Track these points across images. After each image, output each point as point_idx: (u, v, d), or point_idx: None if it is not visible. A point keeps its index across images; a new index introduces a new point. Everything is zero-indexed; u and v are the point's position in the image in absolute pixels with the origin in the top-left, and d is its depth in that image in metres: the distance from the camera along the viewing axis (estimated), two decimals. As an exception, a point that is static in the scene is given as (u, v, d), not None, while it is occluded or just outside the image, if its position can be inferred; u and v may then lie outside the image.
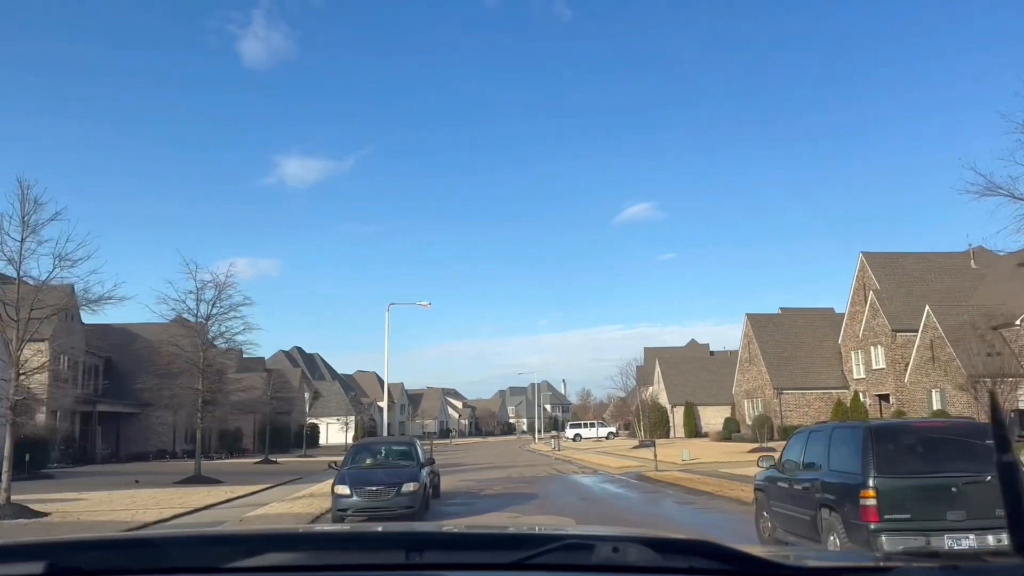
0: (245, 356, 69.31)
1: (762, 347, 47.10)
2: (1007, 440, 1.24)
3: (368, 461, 16.69)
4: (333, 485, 15.32)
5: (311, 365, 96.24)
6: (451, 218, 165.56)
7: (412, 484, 14.72)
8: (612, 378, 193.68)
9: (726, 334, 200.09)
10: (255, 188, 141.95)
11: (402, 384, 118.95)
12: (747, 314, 49.17)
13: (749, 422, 49.54)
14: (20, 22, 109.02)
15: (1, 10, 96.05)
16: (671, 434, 67.48)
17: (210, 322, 29.10)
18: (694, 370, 70.67)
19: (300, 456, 51.76)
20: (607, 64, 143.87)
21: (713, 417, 68.96)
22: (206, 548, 1.70)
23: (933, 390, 35.16)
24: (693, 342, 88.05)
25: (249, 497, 21.79)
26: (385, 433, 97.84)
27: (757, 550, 1.58)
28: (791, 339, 47.14)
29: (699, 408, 67.94)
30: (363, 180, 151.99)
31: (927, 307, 34.86)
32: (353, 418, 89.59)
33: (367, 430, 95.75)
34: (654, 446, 29.20)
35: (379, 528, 2.73)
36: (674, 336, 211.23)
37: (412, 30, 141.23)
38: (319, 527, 3.48)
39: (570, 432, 73.01)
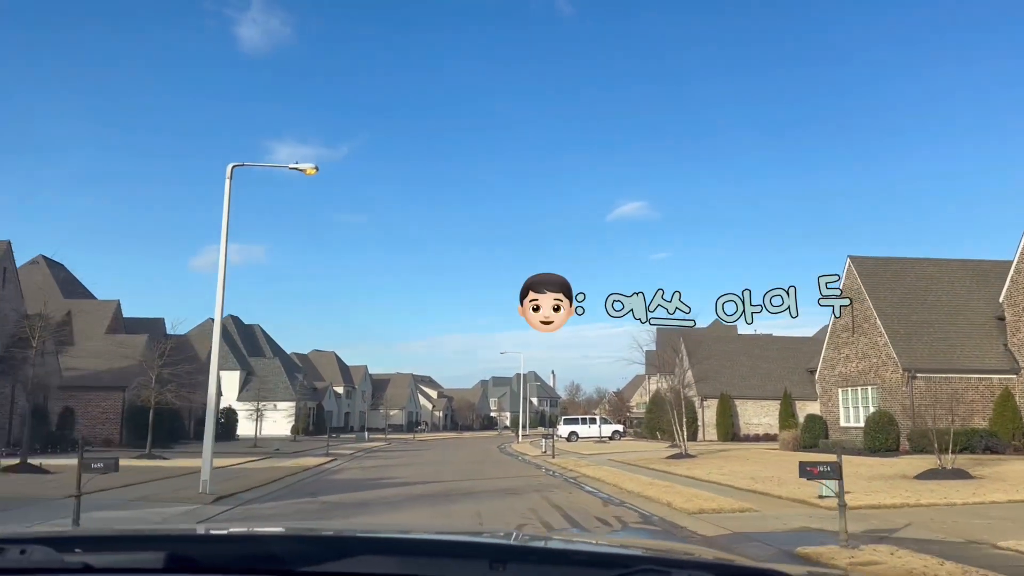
0: (128, 317, 52.34)
1: (878, 306, 30.38)
2: None
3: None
4: None
5: (248, 338, 78.96)
6: (441, 209, 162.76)
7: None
8: (622, 363, 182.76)
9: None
10: (247, 174, 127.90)
11: (365, 367, 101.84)
12: (850, 257, 32.39)
13: (849, 422, 33.05)
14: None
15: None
16: (699, 435, 50.85)
17: None
18: (728, 353, 54.05)
19: (162, 459, 34.91)
20: (604, 61, 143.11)
21: (755, 415, 52.47)
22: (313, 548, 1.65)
23: None
24: (717, 322, 71.50)
25: None
26: (337, 423, 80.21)
27: None
28: (921, 297, 30.61)
29: (736, 403, 51.48)
30: (356, 168, 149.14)
31: None
32: (292, 404, 72.82)
33: (314, 420, 78.82)
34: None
35: (465, 537, 2.11)
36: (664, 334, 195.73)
37: (408, 22, 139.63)
38: (412, 534, 2.13)
39: (564, 429, 56.43)
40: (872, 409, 29.84)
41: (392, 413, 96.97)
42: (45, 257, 46.48)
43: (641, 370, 61.06)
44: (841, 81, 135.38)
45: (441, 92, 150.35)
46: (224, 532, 2.48)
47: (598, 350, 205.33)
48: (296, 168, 17.72)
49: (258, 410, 48.13)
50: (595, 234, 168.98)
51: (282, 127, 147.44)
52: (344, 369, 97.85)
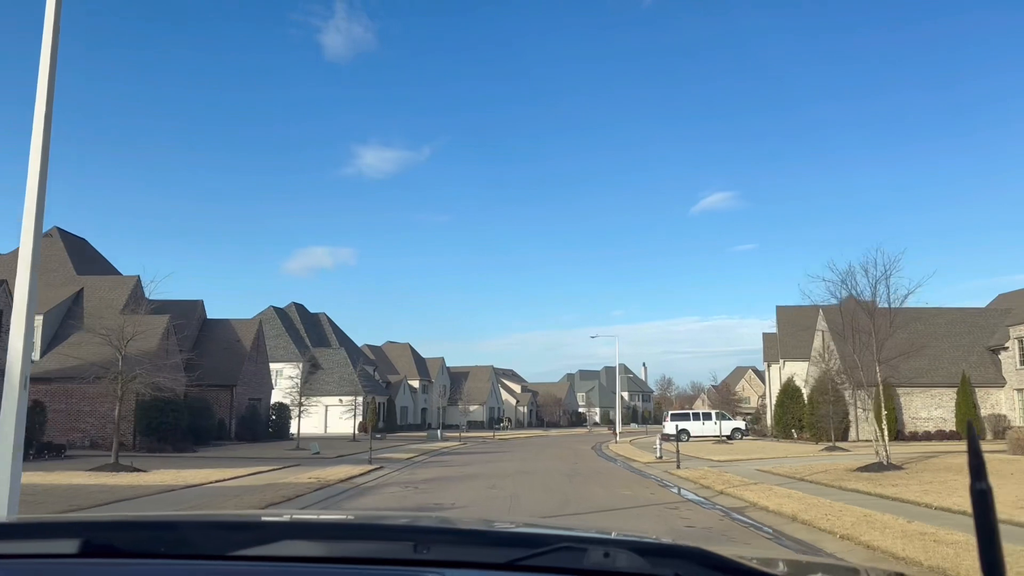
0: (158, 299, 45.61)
1: None
2: (981, 468, 1.22)
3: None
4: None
5: (312, 327, 72.16)
6: (524, 207, 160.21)
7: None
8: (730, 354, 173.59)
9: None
10: (335, 178, 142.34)
11: (442, 359, 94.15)
12: None
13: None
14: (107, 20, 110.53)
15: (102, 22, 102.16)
16: (850, 435, 40.22)
17: None
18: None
19: (201, 456, 27.22)
20: (689, 50, 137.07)
21: (923, 407, 41.26)
22: (224, 533, 1.68)
23: None
24: (851, 298, 59.89)
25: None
26: (412, 420, 72.25)
27: (751, 560, 1.51)
28: None
29: (899, 392, 40.47)
30: (438, 169, 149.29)
31: None
32: (359, 399, 65.40)
33: (383, 416, 71.30)
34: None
35: (387, 520, 2.31)
36: (754, 329, 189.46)
37: (488, 19, 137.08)
38: (330, 515, 3.08)
39: (670, 426, 46.64)
40: None
41: (471, 408, 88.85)
42: (61, 230, 40.01)
43: (747, 360, 50.62)
44: (942, 65, 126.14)
45: (522, 89, 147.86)
46: (142, 518, 2.19)
47: (684, 345, 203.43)
48: None
49: (300, 404, 40.37)
50: (679, 227, 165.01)
51: (367, 131, 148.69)
52: (420, 361, 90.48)
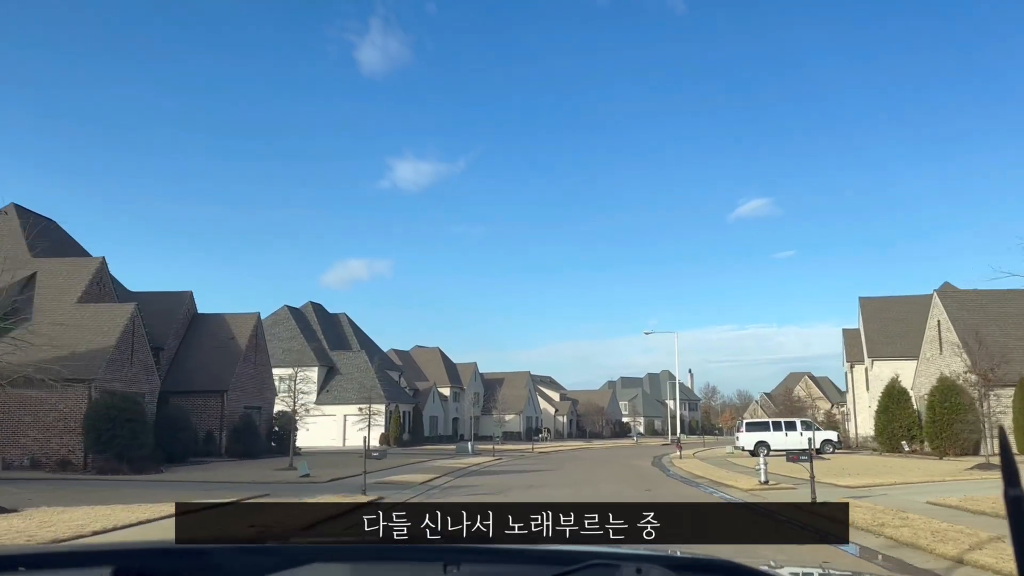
0: (138, 291, 39.11)
1: None
2: (1013, 474, 1.19)
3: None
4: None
5: (330, 328, 65.55)
6: (557, 216, 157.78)
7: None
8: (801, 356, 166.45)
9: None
10: (370, 191, 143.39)
11: (475, 365, 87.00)
12: None
13: None
14: (153, 37, 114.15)
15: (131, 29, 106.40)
16: (983, 448, 32.13)
17: None
18: (1006, 319, 34.99)
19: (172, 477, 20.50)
20: (723, 57, 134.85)
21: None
22: (252, 558, 1.71)
23: None
24: (948, 285, 51.54)
25: None
26: (443, 431, 64.98)
27: (783, 571, 1.54)
28: None
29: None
30: (473, 182, 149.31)
31: None
32: (382, 407, 58.59)
33: (409, 427, 64.39)
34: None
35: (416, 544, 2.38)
36: (792, 337, 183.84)
37: (522, 32, 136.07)
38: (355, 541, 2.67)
39: (746, 438, 38.94)
40: None
41: (507, 418, 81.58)
42: (19, 206, 33.90)
43: (791, 367, 42.84)
44: (986, 68, 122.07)
45: (557, 100, 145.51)
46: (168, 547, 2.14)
47: (721, 353, 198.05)
48: None
49: (294, 411, 33.56)
50: (717, 234, 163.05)
51: (402, 144, 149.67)
52: (450, 368, 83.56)
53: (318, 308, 66.47)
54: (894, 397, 35.96)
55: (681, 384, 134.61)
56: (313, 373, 56.77)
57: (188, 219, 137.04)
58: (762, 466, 20.46)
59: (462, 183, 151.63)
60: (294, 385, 31.84)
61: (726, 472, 25.79)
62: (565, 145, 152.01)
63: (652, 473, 28.61)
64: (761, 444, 38.59)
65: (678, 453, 40.31)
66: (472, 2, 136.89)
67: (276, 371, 59.06)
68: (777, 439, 38.73)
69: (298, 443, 54.45)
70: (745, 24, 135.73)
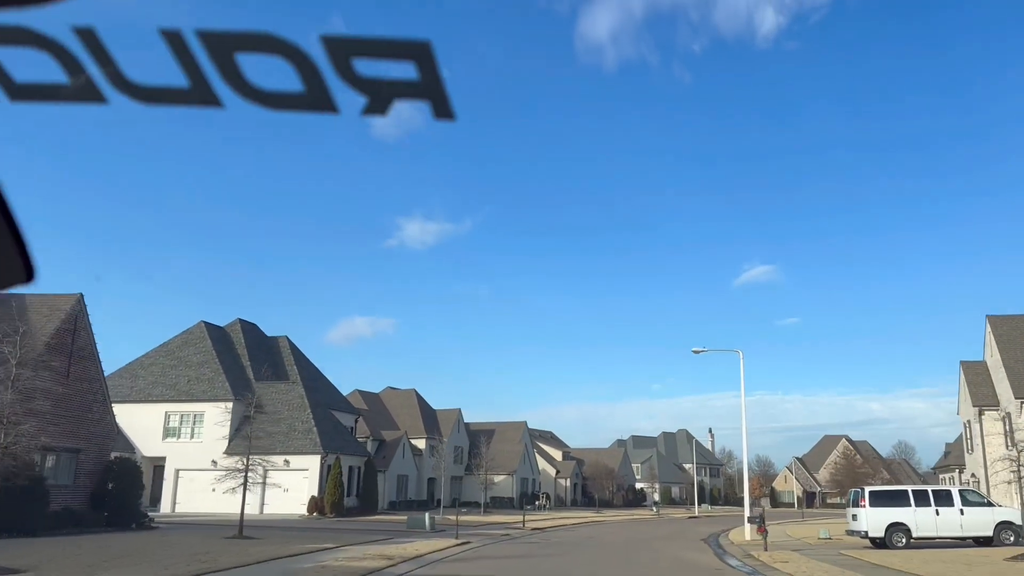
0: None
1: None
2: None
3: None
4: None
5: (263, 354, 50.05)
6: (562, 278, 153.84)
7: None
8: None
9: (853, 405, 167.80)
10: (379, 250, 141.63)
11: (458, 412, 71.17)
12: None
13: None
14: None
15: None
16: None
17: None
18: None
19: None
20: (729, 124, 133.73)
21: None
22: None
23: None
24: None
25: None
26: (413, 494, 51.17)
27: None
28: None
29: None
30: (480, 242, 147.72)
31: None
32: (315, 459, 43.04)
33: (358, 489, 48.63)
34: None
35: None
36: (797, 404, 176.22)
37: (531, 98, 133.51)
38: None
39: (869, 516, 23.41)
40: None
41: (496, 480, 65.19)
42: None
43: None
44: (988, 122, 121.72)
45: (564, 164, 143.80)
46: None
47: (724, 421, 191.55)
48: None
49: (136, 463, 18.27)
50: (721, 299, 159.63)
51: (411, 204, 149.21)
52: (428, 414, 67.89)
53: (250, 328, 51.39)
54: None
55: (701, 446, 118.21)
56: (220, 409, 41.46)
57: (185, 269, 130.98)
58: None
59: (469, 243, 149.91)
60: (164, 430, 16.77)
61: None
62: (572, 211, 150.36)
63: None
64: (895, 527, 23.16)
65: (755, 535, 24.78)
66: (483, 74, 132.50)
67: (168, 406, 43.90)
68: (924, 519, 23.17)
69: (164, 506, 38.73)
70: (751, 91, 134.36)
